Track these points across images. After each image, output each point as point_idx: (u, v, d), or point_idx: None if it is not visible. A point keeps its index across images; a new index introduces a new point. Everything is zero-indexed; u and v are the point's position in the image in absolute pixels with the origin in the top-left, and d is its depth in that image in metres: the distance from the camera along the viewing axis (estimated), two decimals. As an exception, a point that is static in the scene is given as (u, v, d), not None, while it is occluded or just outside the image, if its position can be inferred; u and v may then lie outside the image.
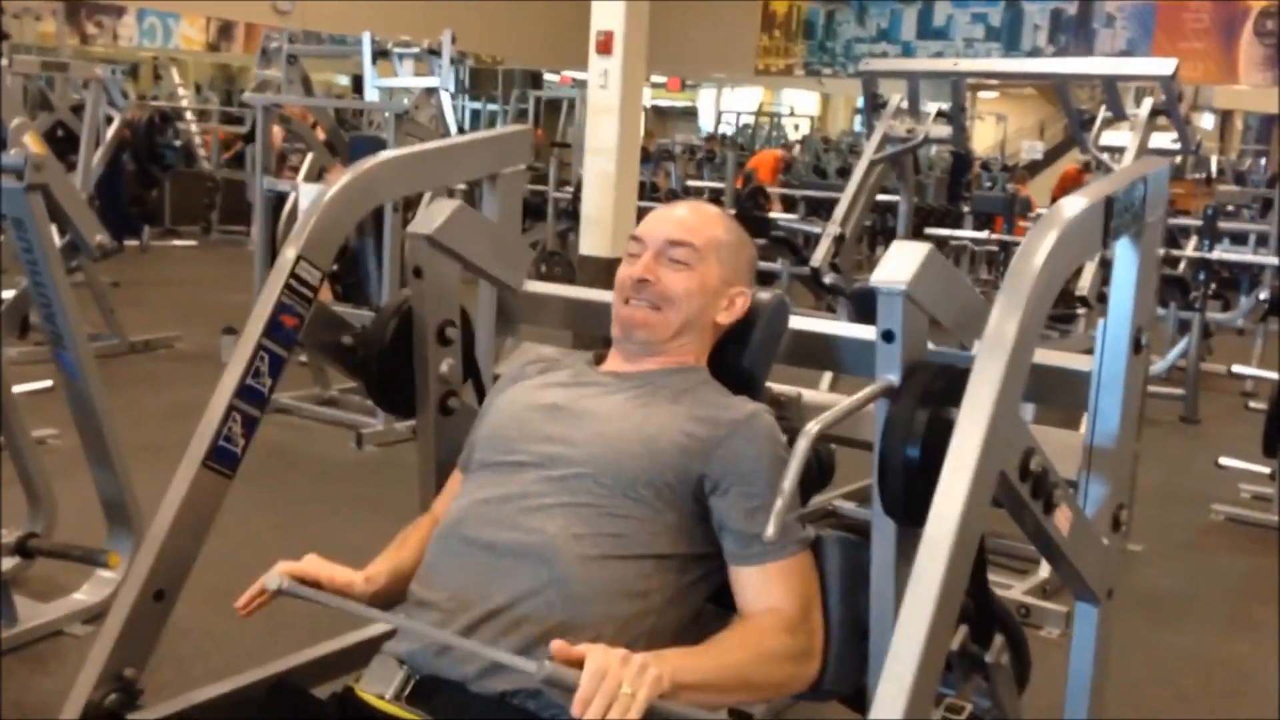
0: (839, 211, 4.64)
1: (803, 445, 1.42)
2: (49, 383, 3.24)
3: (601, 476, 1.59)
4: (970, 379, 1.31)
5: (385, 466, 4.91)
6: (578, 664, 1.31)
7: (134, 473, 3.23)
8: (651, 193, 11.08)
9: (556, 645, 1.32)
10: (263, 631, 3.25)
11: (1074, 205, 1.43)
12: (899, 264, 1.44)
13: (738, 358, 1.80)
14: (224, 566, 3.55)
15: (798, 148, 16.90)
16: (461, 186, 4.31)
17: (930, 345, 1.51)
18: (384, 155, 2.00)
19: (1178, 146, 4.34)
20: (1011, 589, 3.60)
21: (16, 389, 3.79)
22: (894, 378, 1.47)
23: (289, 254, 1.81)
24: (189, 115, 11.98)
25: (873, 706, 1.20)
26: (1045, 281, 1.35)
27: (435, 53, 5.71)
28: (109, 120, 6.02)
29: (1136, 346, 1.61)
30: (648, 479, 1.58)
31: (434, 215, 1.91)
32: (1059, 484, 1.45)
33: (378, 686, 1.54)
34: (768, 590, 1.57)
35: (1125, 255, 1.61)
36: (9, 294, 4.62)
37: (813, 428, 1.43)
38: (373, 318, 2.01)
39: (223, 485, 1.78)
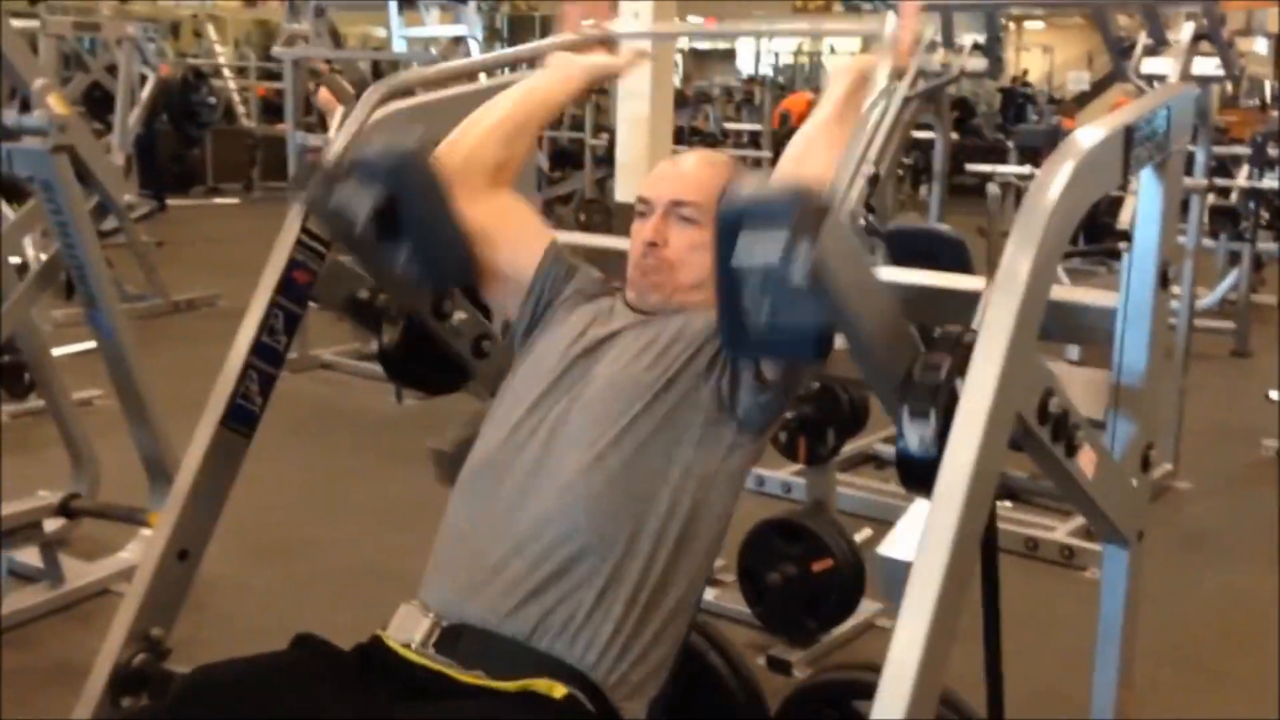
0: (872, 150, 4.53)
1: None
2: (94, 344, 3.30)
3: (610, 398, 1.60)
4: (983, 319, 1.27)
5: (425, 419, 4.87)
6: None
7: (178, 431, 3.25)
8: (691, 136, 10.97)
9: None
10: (301, 582, 3.29)
11: (1091, 136, 1.37)
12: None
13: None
14: (266, 520, 3.61)
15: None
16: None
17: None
18: (392, 105, 1.97)
19: (1221, 73, 4.19)
20: (1055, 530, 3.56)
21: (61, 351, 3.83)
22: None
23: (299, 209, 1.80)
24: (226, 73, 12.02)
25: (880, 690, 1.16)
26: (1061, 216, 1.30)
27: (461, 0, 5.66)
28: (143, 79, 6.02)
29: (1164, 280, 1.56)
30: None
31: None
32: (1081, 425, 1.41)
33: (404, 635, 1.54)
34: None
35: (1149, 187, 1.55)
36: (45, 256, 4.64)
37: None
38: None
39: (242, 444, 1.78)
